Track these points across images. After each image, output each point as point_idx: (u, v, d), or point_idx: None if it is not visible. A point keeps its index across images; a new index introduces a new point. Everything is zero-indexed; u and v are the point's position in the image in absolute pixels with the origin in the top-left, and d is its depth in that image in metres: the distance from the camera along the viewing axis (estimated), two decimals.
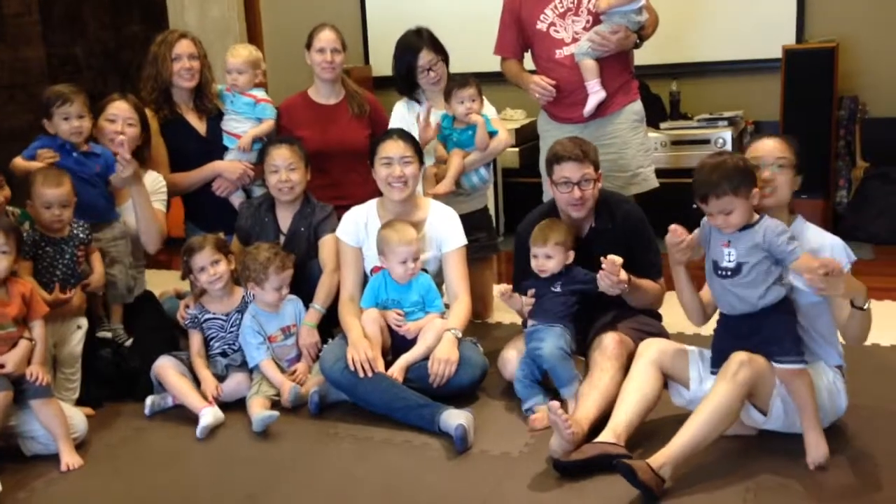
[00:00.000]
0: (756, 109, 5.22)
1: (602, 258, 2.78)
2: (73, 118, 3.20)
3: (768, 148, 2.63)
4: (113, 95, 3.47)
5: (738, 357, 2.45)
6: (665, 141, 5.01)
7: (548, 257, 2.96)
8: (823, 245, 2.56)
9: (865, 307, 2.43)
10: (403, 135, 3.28)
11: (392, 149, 3.18)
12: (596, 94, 3.58)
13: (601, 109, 3.61)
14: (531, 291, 3.01)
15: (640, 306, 3.05)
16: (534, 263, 2.99)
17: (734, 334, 2.56)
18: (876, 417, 2.72)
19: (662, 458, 2.34)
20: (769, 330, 2.50)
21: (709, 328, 2.97)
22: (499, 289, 3.09)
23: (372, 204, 3.31)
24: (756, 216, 2.50)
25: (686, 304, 2.77)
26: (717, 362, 2.58)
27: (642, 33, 3.63)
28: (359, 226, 3.26)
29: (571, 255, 2.98)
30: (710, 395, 2.43)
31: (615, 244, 2.92)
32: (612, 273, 2.78)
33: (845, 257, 2.54)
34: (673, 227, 2.63)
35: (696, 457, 2.42)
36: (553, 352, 2.86)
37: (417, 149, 3.26)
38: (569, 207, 3.04)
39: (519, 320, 3.62)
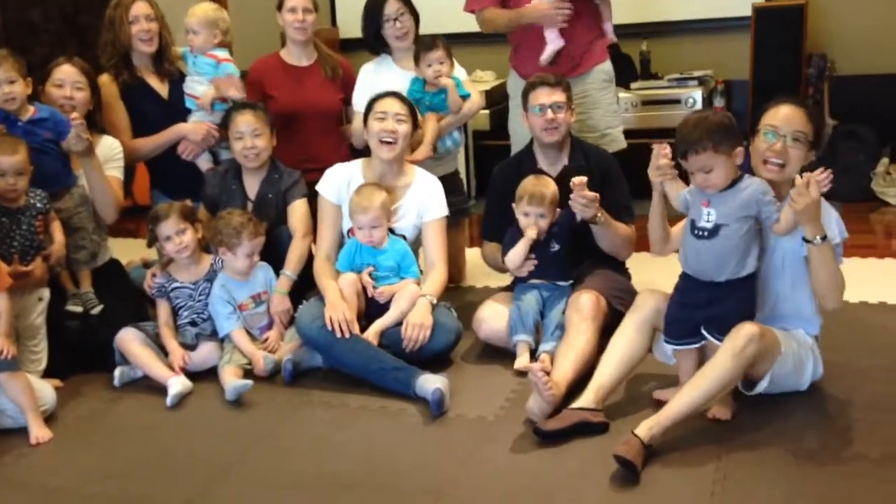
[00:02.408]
0: (726, 68, 5.22)
1: (572, 184, 2.85)
2: (3, 83, 3.06)
3: (787, 117, 2.46)
4: (59, 59, 3.35)
5: (749, 330, 2.35)
6: (635, 101, 5.00)
7: (542, 216, 2.97)
8: None
9: (814, 241, 2.35)
10: (400, 96, 3.27)
11: (388, 104, 3.17)
12: (552, 42, 3.55)
13: (571, 69, 3.57)
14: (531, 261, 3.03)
15: (611, 247, 3.10)
16: (525, 221, 3.00)
17: (691, 302, 2.52)
18: (847, 374, 2.75)
19: (648, 428, 2.30)
20: (731, 305, 2.45)
21: None
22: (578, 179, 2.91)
23: (357, 164, 3.27)
24: (738, 175, 2.43)
25: (651, 226, 2.66)
26: (671, 332, 2.56)
27: None
28: (341, 184, 3.22)
29: (558, 210, 3.01)
30: (711, 368, 2.36)
31: (588, 184, 2.91)
32: (580, 194, 2.83)
33: (837, 234, 2.46)
34: (660, 145, 2.55)
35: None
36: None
37: (412, 112, 3.23)
38: (542, 133, 3.13)
39: (492, 283, 3.64)
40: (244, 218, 3.12)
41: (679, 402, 2.35)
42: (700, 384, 2.36)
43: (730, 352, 2.35)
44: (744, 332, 2.36)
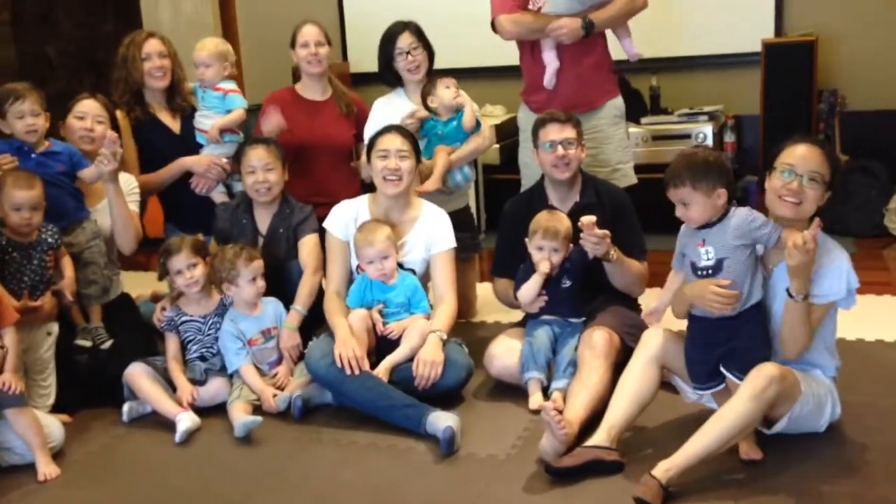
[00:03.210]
0: (736, 103, 5.23)
1: (580, 224, 2.85)
2: (28, 116, 3.09)
3: (804, 157, 2.42)
4: (82, 94, 3.40)
5: (769, 371, 2.32)
6: (645, 136, 5.00)
7: (555, 251, 2.96)
8: (825, 268, 2.41)
9: (797, 298, 2.36)
10: (401, 130, 3.26)
11: (389, 141, 3.16)
12: (550, 63, 3.57)
13: (582, 105, 3.57)
14: (543, 297, 3.01)
15: (624, 284, 3.08)
16: (538, 256, 2.99)
17: (707, 341, 2.50)
18: (867, 415, 2.71)
19: (665, 470, 2.27)
20: (746, 340, 2.44)
21: None
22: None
23: (363, 199, 3.27)
24: (724, 210, 2.44)
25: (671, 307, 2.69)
26: (695, 376, 2.54)
27: (596, 19, 3.53)
28: (348, 221, 3.21)
29: (570, 246, 2.99)
30: (730, 410, 2.33)
31: (600, 221, 2.89)
32: (590, 234, 2.83)
33: (844, 287, 2.42)
34: (584, 219, 2.69)
35: None
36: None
37: (415, 146, 3.23)
38: (553, 170, 3.13)
39: (503, 319, 3.62)
40: (236, 248, 3.13)
41: (698, 443, 2.31)
42: (719, 426, 2.32)
43: (749, 393, 2.32)
44: (764, 374, 2.33)
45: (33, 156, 3.13)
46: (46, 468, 2.67)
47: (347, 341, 2.94)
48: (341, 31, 6.02)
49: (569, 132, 3.12)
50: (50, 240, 3.03)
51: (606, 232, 2.86)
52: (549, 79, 3.60)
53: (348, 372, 2.88)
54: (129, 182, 3.42)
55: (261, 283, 3.12)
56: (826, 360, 2.56)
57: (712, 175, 2.41)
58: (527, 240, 3.02)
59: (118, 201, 3.26)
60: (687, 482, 2.33)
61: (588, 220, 2.83)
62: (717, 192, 2.41)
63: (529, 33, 3.65)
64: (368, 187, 3.61)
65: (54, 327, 3.06)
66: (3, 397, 2.65)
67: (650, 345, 2.63)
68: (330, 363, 2.92)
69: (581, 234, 2.87)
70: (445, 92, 3.53)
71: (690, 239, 2.51)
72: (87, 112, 3.33)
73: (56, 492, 2.61)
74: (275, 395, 3.01)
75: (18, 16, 5.79)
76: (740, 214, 2.44)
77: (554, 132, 3.12)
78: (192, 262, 3.10)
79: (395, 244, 3.10)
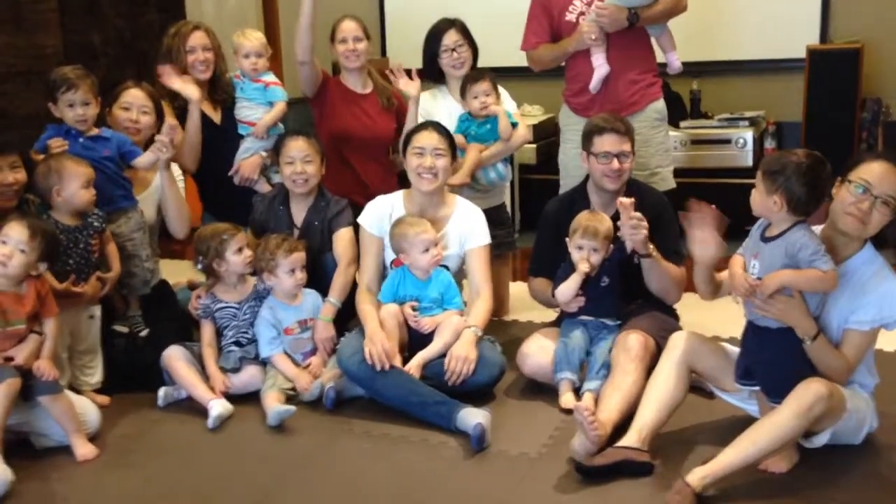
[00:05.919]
0: (778, 110, 5.16)
1: (618, 203, 2.81)
2: (78, 105, 3.12)
3: (882, 177, 2.33)
4: (128, 83, 3.43)
5: (817, 390, 2.28)
6: (685, 140, 4.96)
7: (595, 251, 2.95)
8: (874, 292, 2.37)
9: (807, 343, 2.35)
10: (439, 127, 3.26)
11: (426, 139, 3.16)
12: (599, 67, 3.55)
13: (624, 108, 3.55)
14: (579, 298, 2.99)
15: (660, 288, 3.05)
16: (577, 255, 2.97)
17: (761, 345, 2.46)
18: None
19: (701, 478, 2.25)
20: (774, 354, 2.41)
21: (726, 331, 2.93)
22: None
23: (398, 195, 3.28)
24: (787, 225, 2.36)
25: (696, 276, 2.65)
26: (743, 374, 2.52)
27: (643, 13, 3.52)
28: (383, 216, 3.23)
29: (611, 246, 2.98)
30: (772, 423, 2.29)
31: None
32: (629, 215, 2.78)
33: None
34: (623, 199, 2.70)
35: None
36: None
37: (451, 143, 3.23)
38: (604, 179, 3.08)
39: (536, 318, 3.61)
40: (278, 239, 3.16)
41: (736, 452, 2.29)
42: (760, 438, 2.29)
43: (795, 409, 2.27)
44: (812, 391, 2.28)
45: (80, 140, 3.16)
46: (84, 449, 2.70)
47: (376, 337, 2.95)
48: (381, 27, 6.04)
49: (626, 145, 3.06)
50: (96, 223, 3.06)
51: (642, 216, 2.82)
52: (595, 84, 3.58)
53: (378, 368, 2.88)
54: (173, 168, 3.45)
55: (300, 275, 3.14)
56: (865, 377, 2.53)
57: (779, 180, 2.32)
58: (567, 239, 3.01)
59: (172, 187, 3.30)
60: (722, 490, 2.31)
61: (627, 200, 2.80)
62: (773, 198, 2.34)
63: (552, 62, 3.74)
64: (405, 182, 3.63)
65: (97, 311, 3.10)
66: (37, 384, 2.67)
67: (677, 348, 2.62)
68: (360, 360, 2.92)
69: (619, 221, 2.84)
70: (473, 103, 3.58)
71: (752, 242, 2.47)
72: (133, 103, 3.36)
73: (92, 473, 2.65)
74: (311, 383, 3.04)
75: (65, 3, 5.87)
76: (792, 238, 2.34)
77: (611, 143, 3.05)
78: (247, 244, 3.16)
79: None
